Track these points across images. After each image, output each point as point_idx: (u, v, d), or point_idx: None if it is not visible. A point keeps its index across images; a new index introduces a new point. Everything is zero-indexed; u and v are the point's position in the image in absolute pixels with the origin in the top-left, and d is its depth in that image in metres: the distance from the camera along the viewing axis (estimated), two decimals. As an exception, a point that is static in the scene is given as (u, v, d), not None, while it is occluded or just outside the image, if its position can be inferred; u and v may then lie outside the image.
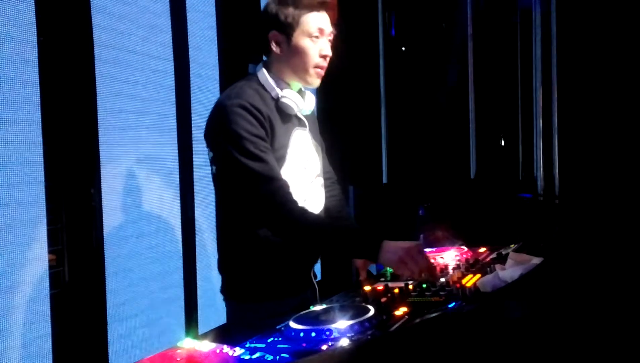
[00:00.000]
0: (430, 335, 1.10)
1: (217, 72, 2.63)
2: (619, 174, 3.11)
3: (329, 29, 1.67)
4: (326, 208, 1.80)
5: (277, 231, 1.58)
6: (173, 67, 2.36)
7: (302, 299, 1.66)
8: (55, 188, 1.86)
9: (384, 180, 3.45)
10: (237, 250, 1.68)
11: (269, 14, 1.66)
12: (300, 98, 1.69)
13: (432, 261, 1.64)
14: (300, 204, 1.59)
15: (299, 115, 1.72)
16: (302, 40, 1.64)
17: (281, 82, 1.68)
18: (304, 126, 1.74)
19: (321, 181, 1.79)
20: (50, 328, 1.82)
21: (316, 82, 1.70)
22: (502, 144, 3.65)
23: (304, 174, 1.70)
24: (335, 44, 1.71)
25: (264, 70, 1.69)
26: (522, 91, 3.57)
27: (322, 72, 1.69)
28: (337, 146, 3.16)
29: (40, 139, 1.79)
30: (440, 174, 3.45)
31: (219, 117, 1.61)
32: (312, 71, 1.67)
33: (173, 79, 2.36)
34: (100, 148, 2.00)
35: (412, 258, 1.48)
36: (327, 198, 1.82)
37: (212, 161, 1.66)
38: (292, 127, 1.69)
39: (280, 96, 1.65)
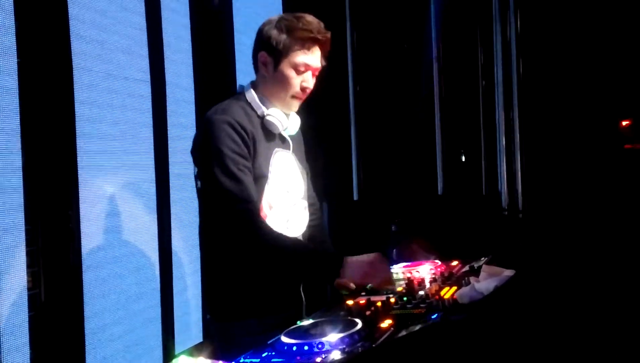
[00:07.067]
0: (418, 345, 1.16)
1: (193, 95, 2.65)
2: (579, 188, 3.27)
3: (316, 65, 1.71)
4: (311, 236, 1.83)
5: (246, 249, 1.63)
6: (150, 91, 2.37)
7: (286, 317, 1.66)
8: (34, 210, 1.84)
9: (355, 197, 3.53)
10: (219, 267, 1.69)
11: (262, 35, 1.71)
12: (285, 117, 1.73)
13: (403, 273, 1.71)
14: (272, 226, 1.62)
15: (284, 135, 1.76)
16: (287, 70, 1.68)
17: (267, 102, 1.72)
18: (288, 147, 1.78)
19: (305, 203, 1.81)
20: (28, 353, 1.80)
21: (293, 108, 1.76)
22: (465, 160, 3.77)
23: (287, 196, 1.72)
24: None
25: (252, 89, 1.73)
26: (484, 109, 3.71)
27: (300, 101, 1.75)
28: (309, 163, 3.22)
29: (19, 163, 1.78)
30: (409, 191, 3.54)
31: (205, 133, 1.65)
32: (289, 98, 1.72)
33: (150, 102, 2.38)
34: (79, 170, 2.00)
35: (377, 270, 1.56)
36: (309, 222, 1.82)
37: (197, 177, 1.69)
38: (275, 147, 1.73)
39: (265, 114, 1.69)
